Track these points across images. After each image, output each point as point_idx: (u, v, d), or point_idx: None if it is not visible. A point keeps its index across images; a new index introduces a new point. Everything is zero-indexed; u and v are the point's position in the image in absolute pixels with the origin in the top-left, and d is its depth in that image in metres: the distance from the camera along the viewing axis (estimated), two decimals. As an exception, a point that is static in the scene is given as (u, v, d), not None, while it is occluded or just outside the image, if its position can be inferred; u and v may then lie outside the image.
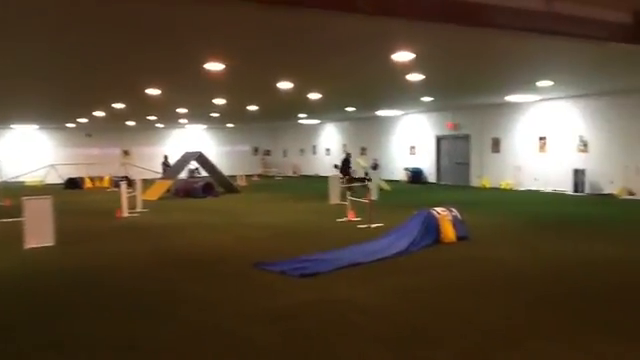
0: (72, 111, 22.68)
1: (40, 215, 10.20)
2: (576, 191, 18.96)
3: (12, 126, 31.22)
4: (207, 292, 6.77)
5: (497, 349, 4.62)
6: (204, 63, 10.96)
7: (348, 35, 8.81)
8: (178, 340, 5.05)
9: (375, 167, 25.60)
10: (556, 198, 18.17)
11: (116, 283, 7.37)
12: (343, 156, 24.31)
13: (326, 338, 4.98)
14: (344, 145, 32.60)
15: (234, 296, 6.53)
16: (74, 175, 29.42)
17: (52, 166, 31.89)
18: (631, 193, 17.53)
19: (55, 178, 30.98)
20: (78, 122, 28.49)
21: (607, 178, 18.50)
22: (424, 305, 5.96)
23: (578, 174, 19.00)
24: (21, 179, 30.50)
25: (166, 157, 29.40)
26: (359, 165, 26.08)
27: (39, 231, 10.14)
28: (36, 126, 31.81)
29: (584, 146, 19.34)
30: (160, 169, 28.97)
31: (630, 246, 9.21)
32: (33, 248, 9.91)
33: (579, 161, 19.32)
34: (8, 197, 18.43)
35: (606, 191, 18.46)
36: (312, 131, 36.09)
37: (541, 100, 20.36)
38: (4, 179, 29.07)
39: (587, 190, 18.78)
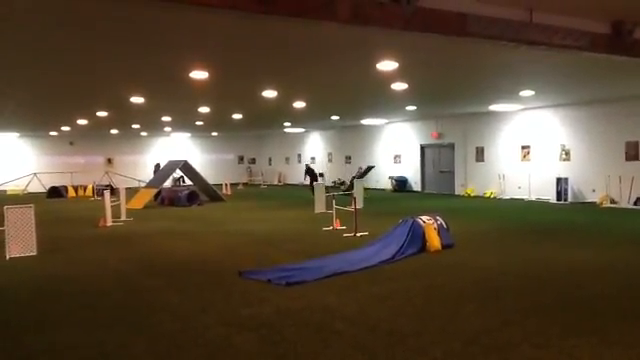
0: (55, 119, 22.48)
1: (22, 224, 10.09)
2: (559, 199, 19.15)
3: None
4: (186, 301, 6.73)
5: (480, 356, 4.65)
6: (189, 71, 10.95)
7: (331, 44, 8.87)
8: (150, 349, 5.02)
9: (361, 176, 25.71)
10: (539, 206, 18.34)
11: (95, 292, 7.30)
12: (305, 167, 26.13)
13: (306, 345, 4.97)
14: (329, 154, 32.78)
15: (214, 304, 6.49)
16: (57, 184, 29.15)
17: (35, 174, 31.56)
18: (613, 201, 17.75)
19: (38, 187, 30.66)
20: (61, 130, 28.25)
21: (589, 186, 18.74)
22: (408, 313, 5.98)
23: (561, 182, 19.20)
24: (2, 188, 30.12)
25: (158, 165, 28.65)
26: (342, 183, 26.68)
27: (21, 241, 10.04)
28: (17, 134, 31.48)
29: (566, 155, 19.58)
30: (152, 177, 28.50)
31: (611, 254, 9.30)
32: (15, 258, 9.80)
33: (562, 170, 19.55)
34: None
35: (589, 199, 18.68)
36: (297, 139, 36.12)
37: (524, 109, 20.59)
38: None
39: (570, 198, 18.98)
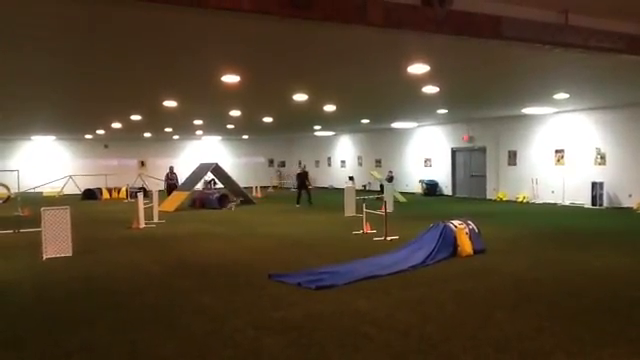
0: (90, 122, 22.93)
1: (58, 226, 10.31)
2: (594, 204, 18.74)
3: (31, 137, 31.67)
4: (217, 302, 6.79)
5: (513, 363, 4.58)
6: (221, 75, 11.05)
7: (362, 47, 8.85)
8: (180, 350, 5.08)
9: (390, 179, 25.61)
10: (574, 211, 17.98)
11: (127, 293, 7.45)
12: (299, 171, 23.66)
13: (336, 349, 4.97)
14: (359, 157, 32.74)
15: (245, 307, 6.54)
16: (92, 186, 29.72)
17: (70, 177, 32.23)
18: (650, 207, 17.32)
19: (73, 189, 31.31)
20: (96, 133, 28.82)
21: (625, 191, 18.28)
22: (439, 318, 5.92)
23: (596, 187, 18.79)
24: (39, 190, 30.84)
25: (171, 168, 25.43)
26: (373, 177, 26.31)
27: (57, 241, 10.27)
28: (53, 137, 32.22)
29: (601, 159, 19.15)
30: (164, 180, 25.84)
31: (649, 260, 9.08)
32: (51, 258, 10.03)
33: (597, 174, 19.11)
34: (27, 207, 18.66)
35: (625, 204, 18.24)
36: (327, 143, 36.15)
37: (558, 112, 20.22)
38: (23, 189, 29.44)
39: (605, 203, 18.56)
